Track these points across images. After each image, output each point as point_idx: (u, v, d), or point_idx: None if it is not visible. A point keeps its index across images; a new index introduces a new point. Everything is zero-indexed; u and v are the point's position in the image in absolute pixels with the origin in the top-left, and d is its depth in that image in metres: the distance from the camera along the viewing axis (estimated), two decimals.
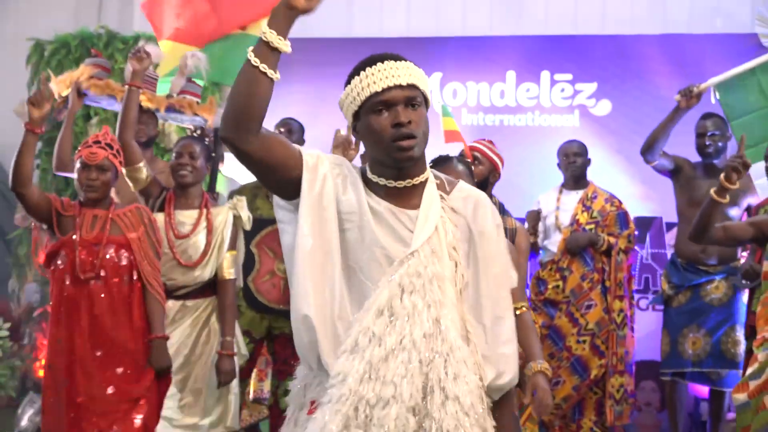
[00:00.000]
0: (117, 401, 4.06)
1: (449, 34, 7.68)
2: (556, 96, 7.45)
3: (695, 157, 6.05)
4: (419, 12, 7.80)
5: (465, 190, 2.47)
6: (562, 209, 6.20)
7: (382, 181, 2.35)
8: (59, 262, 4.13)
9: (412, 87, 2.30)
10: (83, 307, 4.06)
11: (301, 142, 5.90)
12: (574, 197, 6.22)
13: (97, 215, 4.17)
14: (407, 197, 2.36)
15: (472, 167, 4.32)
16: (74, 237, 4.11)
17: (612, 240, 6.02)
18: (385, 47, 6.73)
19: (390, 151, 2.30)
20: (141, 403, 4.11)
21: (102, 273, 4.08)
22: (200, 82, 6.13)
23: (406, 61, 2.33)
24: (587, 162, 6.30)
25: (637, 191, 6.64)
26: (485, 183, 4.48)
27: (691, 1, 7.25)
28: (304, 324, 2.27)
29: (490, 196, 4.44)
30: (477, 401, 2.27)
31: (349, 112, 2.36)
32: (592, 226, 6.09)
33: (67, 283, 4.09)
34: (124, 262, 4.11)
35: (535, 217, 6.26)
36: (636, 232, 6.25)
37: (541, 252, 6.29)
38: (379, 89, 2.27)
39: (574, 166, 6.23)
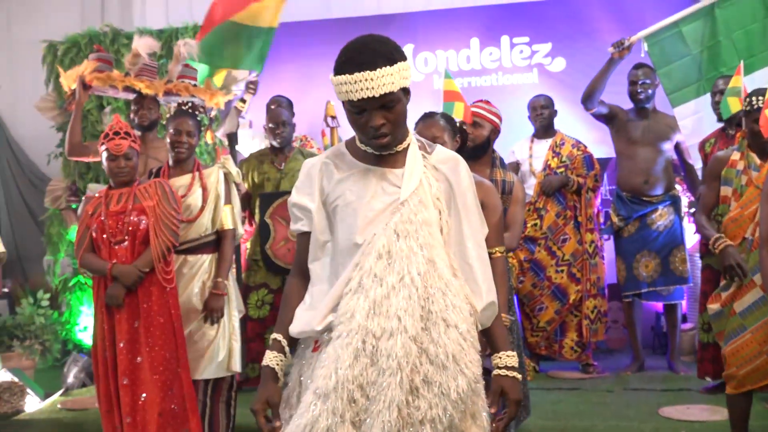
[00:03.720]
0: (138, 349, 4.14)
1: (416, 9, 7.60)
2: (516, 57, 7.39)
3: (626, 105, 6.11)
4: None
5: (444, 152, 2.48)
6: (534, 156, 6.26)
7: (370, 150, 2.36)
8: (93, 234, 4.20)
9: (386, 94, 2.23)
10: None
11: (291, 114, 5.90)
12: (544, 145, 6.26)
13: (122, 192, 4.24)
14: (393, 160, 2.36)
15: (472, 129, 4.28)
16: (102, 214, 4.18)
17: (581, 180, 6.10)
18: (361, 25, 6.80)
19: (368, 142, 2.32)
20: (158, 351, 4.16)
21: (126, 237, 4.15)
22: (195, 66, 6.16)
23: (382, 67, 2.20)
24: (554, 113, 6.33)
25: (592, 137, 6.71)
26: (488, 142, 4.34)
27: None
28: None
29: (492, 152, 4.34)
30: (471, 327, 2.32)
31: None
32: (562, 169, 6.15)
33: (102, 247, 4.17)
34: (142, 226, 4.16)
35: (515, 168, 6.30)
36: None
37: None
38: (355, 99, 2.22)
39: (542, 117, 6.28)
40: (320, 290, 2.36)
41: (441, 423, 2.23)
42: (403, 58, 2.27)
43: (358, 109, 2.26)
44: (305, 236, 2.43)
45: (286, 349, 2.38)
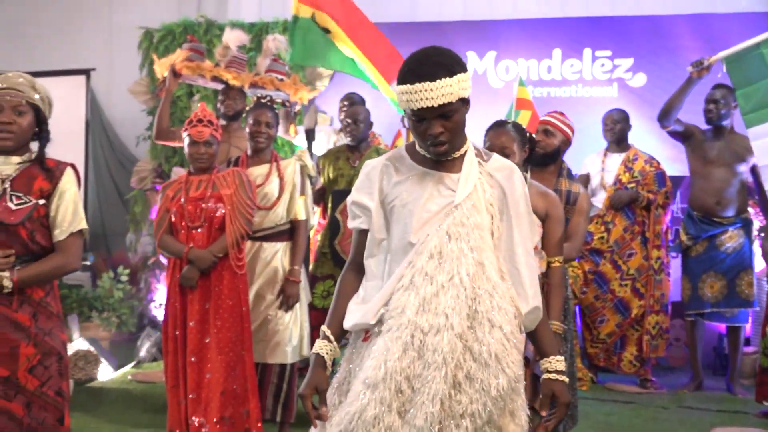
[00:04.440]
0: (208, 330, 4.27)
1: (501, 17, 7.65)
2: (597, 70, 7.41)
3: (705, 125, 6.05)
4: None
5: (499, 160, 2.54)
6: (606, 170, 6.27)
7: (428, 155, 2.44)
8: (172, 218, 4.35)
9: (445, 104, 2.31)
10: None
11: (364, 111, 5.76)
12: (616, 159, 6.27)
13: (202, 179, 4.39)
14: (450, 165, 2.44)
15: (543, 137, 4.32)
16: (181, 199, 4.34)
17: (651, 197, 6.10)
18: (445, 30, 6.85)
19: (427, 149, 2.41)
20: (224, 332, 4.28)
21: (203, 223, 4.28)
22: (285, 61, 6.33)
23: (442, 78, 2.28)
24: (627, 127, 6.32)
25: (667, 154, 6.68)
26: (557, 152, 4.36)
27: None
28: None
29: (561, 162, 4.36)
30: (515, 329, 2.37)
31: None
32: (633, 184, 6.16)
33: (181, 231, 4.32)
34: (219, 213, 4.28)
35: (584, 181, 6.35)
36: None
37: None
38: (415, 108, 2.31)
39: (613, 131, 6.31)
40: (374, 285, 2.45)
41: (480, 417, 2.30)
42: (463, 69, 2.35)
43: (418, 118, 2.35)
44: (363, 233, 2.53)
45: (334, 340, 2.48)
